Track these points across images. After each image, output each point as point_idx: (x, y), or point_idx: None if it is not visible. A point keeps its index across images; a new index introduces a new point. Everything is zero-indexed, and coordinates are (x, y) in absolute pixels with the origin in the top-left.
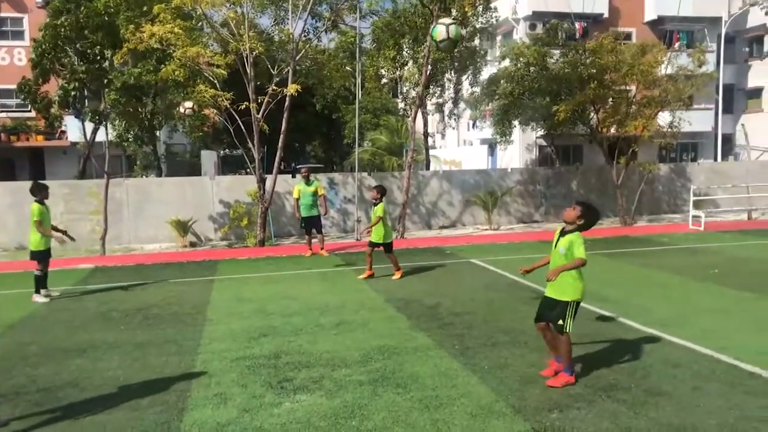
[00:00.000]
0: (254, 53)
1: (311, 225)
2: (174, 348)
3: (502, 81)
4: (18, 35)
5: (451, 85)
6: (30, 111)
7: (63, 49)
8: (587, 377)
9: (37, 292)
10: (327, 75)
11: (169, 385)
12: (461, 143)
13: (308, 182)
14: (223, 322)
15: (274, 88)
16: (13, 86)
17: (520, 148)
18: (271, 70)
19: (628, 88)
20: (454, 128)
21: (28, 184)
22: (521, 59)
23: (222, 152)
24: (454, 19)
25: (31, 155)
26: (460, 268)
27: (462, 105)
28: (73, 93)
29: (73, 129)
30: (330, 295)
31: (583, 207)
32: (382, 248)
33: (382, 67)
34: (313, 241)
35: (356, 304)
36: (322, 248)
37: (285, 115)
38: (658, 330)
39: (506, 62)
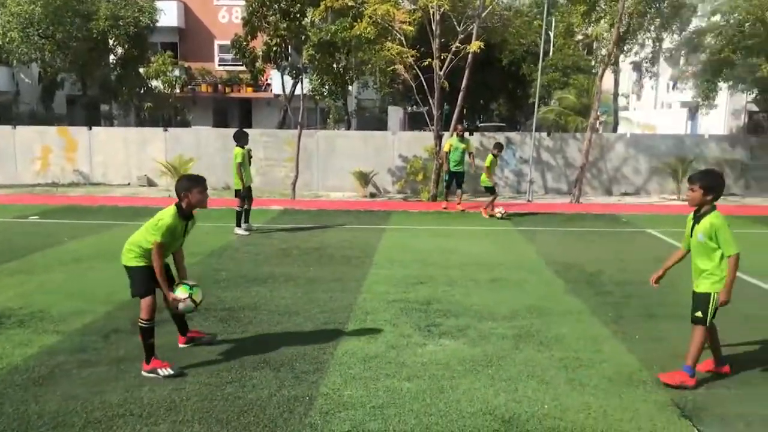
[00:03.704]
0: (441, 9)
1: (456, 180)
2: (339, 286)
3: (708, 37)
4: None
5: (650, 43)
6: (241, 65)
7: (270, 7)
8: (748, 359)
9: (238, 225)
10: (513, 32)
11: (331, 318)
12: (658, 106)
13: (462, 139)
14: (386, 267)
15: (458, 45)
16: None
17: (725, 114)
18: (457, 27)
19: None
20: (652, 88)
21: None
22: (735, 14)
23: (410, 109)
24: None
25: (241, 105)
26: (634, 237)
27: (662, 64)
28: (274, 48)
29: (277, 82)
30: (491, 253)
31: (701, 181)
32: None
33: (574, 24)
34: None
35: (515, 263)
36: (459, 203)
37: (466, 73)
38: None
39: (717, 17)
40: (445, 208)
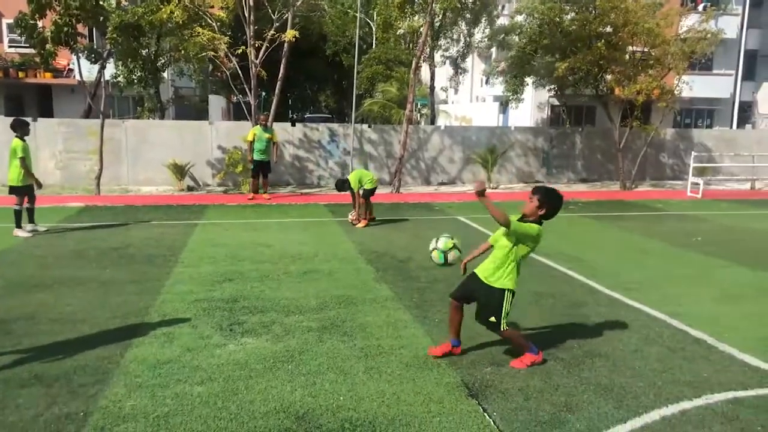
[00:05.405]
0: None
1: (261, 169)
2: (137, 288)
3: (514, 36)
4: None
5: (463, 38)
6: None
7: None
8: (531, 335)
9: (18, 226)
10: (330, 22)
11: (122, 323)
12: (474, 99)
13: (266, 128)
14: (193, 265)
15: (273, 33)
16: None
17: (531, 107)
18: (272, 15)
19: (637, 49)
20: (461, 84)
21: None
22: (535, 15)
23: (236, 99)
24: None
25: (39, 92)
26: (444, 224)
27: (474, 59)
28: (65, 29)
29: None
30: (306, 245)
31: (539, 194)
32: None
33: (392, 17)
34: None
35: (329, 254)
36: (265, 191)
37: (283, 62)
38: (620, 293)
39: (521, 17)
40: (251, 199)
